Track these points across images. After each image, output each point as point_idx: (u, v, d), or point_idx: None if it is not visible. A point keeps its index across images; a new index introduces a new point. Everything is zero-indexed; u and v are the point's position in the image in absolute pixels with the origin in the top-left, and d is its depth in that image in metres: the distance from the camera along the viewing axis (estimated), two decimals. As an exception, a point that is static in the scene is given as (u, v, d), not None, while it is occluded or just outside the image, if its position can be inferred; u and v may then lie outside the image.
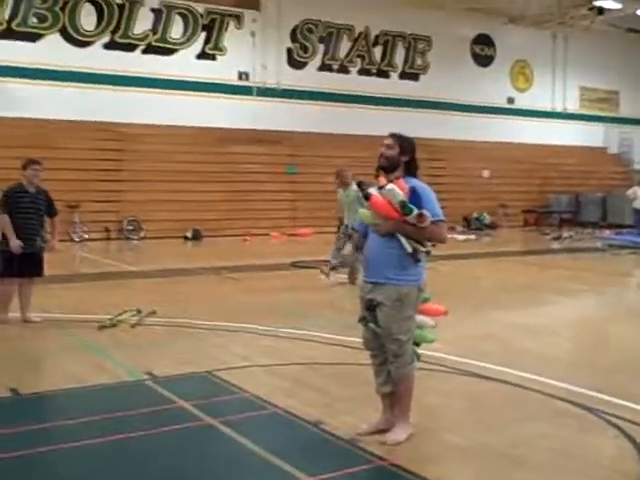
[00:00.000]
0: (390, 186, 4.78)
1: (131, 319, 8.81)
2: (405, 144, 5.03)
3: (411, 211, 4.71)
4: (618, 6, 25.85)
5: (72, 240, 18.90)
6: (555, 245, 21.09)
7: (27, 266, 8.59)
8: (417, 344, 5.25)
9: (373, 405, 5.31)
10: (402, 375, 4.93)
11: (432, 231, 4.80)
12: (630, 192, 23.76)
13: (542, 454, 4.77)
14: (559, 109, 30.54)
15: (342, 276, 12.29)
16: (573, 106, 31.00)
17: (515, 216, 27.25)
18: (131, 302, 9.71)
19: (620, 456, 4.78)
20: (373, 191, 4.86)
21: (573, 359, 7.63)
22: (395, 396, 5.03)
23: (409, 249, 4.82)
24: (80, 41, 20.71)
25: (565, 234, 23.23)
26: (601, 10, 25.89)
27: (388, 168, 4.96)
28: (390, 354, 4.93)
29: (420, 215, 4.71)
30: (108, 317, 8.75)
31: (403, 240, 4.83)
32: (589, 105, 31.60)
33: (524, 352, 7.63)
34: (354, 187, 11.15)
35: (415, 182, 4.91)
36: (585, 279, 13.49)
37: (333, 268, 12.18)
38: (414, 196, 4.77)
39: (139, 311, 9.12)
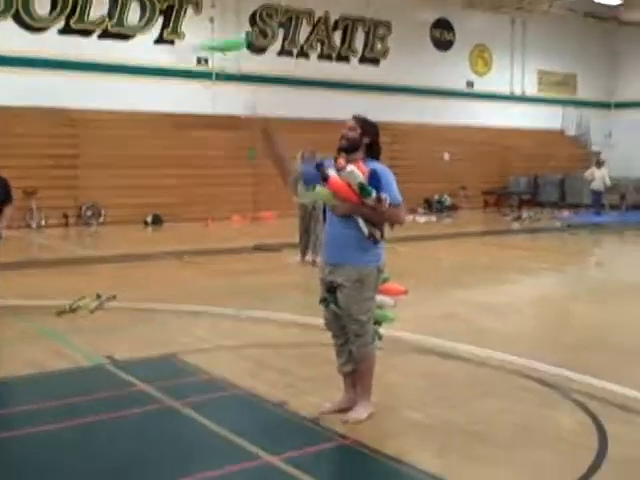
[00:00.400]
0: (350, 168, 4.75)
1: (90, 304, 8.69)
2: (367, 126, 5.01)
3: (369, 194, 4.70)
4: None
5: (29, 227, 18.62)
6: (515, 225, 21.29)
7: None
8: (378, 323, 5.27)
9: (335, 385, 5.32)
10: (363, 354, 4.94)
11: (390, 213, 4.82)
12: (588, 173, 24.07)
13: (503, 429, 4.82)
14: (518, 92, 30.77)
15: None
16: (531, 89, 31.25)
17: (475, 198, 27.43)
18: (91, 288, 9.55)
19: (580, 430, 4.85)
20: (332, 172, 4.83)
21: (534, 336, 7.71)
22: (357, 375, 5.05)
23: (366, 232, 4.82)
24: (34, 27, 20.31)
25: (524, 215, 23.46)
26: (559, -7, 26.07)
27: (348, 149, 4.94)
28: (351, 334, 4.94)
29: (379, 199, 4.71)
30: (67, 303, 8.62)
31: (361, 222, 4.82)
32: (547, 88, 31.87)
33: (485, 330, 7.70)
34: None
35: (376, 165, 4.91)
36: (545, 258, 13.65)
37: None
38: (374, 178, 4.76)
39: (99, 296, 8.99)
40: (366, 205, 4.76)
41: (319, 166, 4.91)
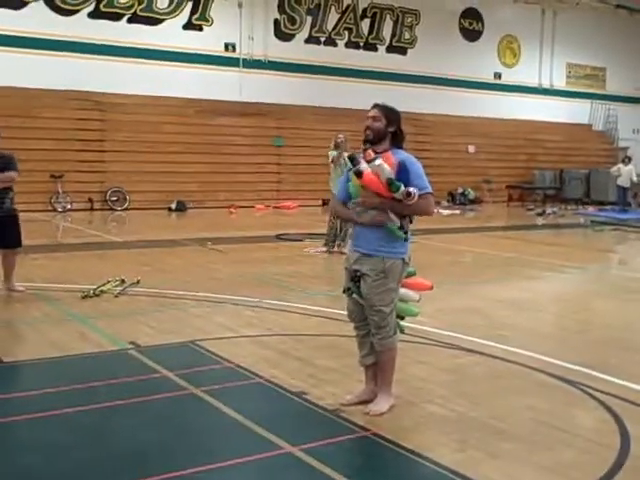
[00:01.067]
0: (378, 161, 4.71)
1: (115, 289, 8.78)
2: (391, 115, 4.96)
3: (398, 189, 4.66)
4: (607, -18, 25.79)
5: (55, 210, 18.78)
6: (539, 221, 21.16)
7: (5, 233, 8.38)
8: (401, 317, 5.26)
9: (356, 376, 5.34)
10: (385, 347, 4.93)
11: (418, 204, 4.75)
12: (614, 169, 23.87)
13: (524, 426, 4.80)
14: (546, 85, 30.53)
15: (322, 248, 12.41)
16: (560, 82, 30.99)
17: (499, 191, 27.30)
18: (115, 272, 9.65)
19: (601, 428, 4.82)
20: (364, 167, 4.79)
21: (557, 333, 7.67)
22: (378, 368, 5.04)
23: (397, 223, 4.80)
24: (65, 9, 20.41)
25: (549, 210, 23.32)
26: (591, -15, 25.79)
27: (374, 141, 4.90)
28: (373, 326, 4.93)
29: (407, 192, 4.67)
30: (92, 287, 8.70)
31: (391, 215, 4.80)
32: (575, 82, 31.60)
33: (508, 326, 7.67)
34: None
35: (403, 155, 4.87)
36: (568, 255, 13.55)
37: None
38: (402, 171, 4.72)
39: (123, 281, 9.09)
40: (395, 198, 4.74)
41: (352, 159, 4.86)
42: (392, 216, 4.80)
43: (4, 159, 8.36)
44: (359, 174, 4.75)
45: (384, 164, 4.71)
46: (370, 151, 4.81)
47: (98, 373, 5.66)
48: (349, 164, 4.99)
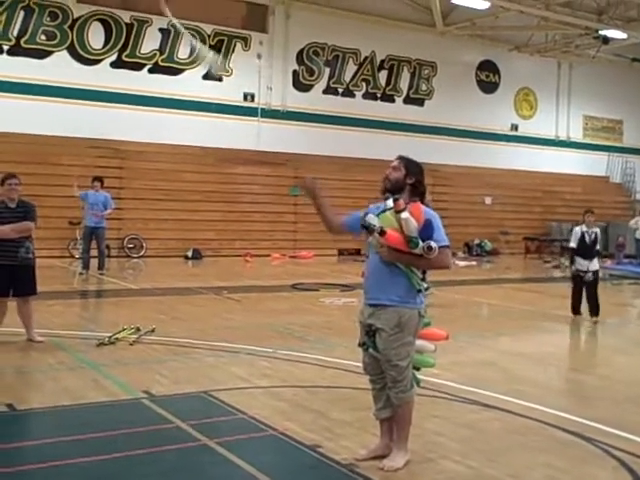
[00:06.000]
0: (405, 215, 4.65)
1: (130, 337, 8.77)
2: (411, 166, 4.98)
3: (416, 245, 4.64)
4: (623, 36, 25.97)
5: (72, 257, 18.87)
6: (556, 273, 21.03)
7: (12, 283, 8.34)
8: (417, 369, 5.21)
9: (372, 430, 5.28)
10: (401, 401, 4.87)
11: (436, 258, 4.71)
12: (632, 222, 23.77)
13: (541, 484, 4.71)
14: (563, 137, 30.62)
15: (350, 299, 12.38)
16: (577, 134, 31.08)
17: (516, 243, 27.24)
18: (130, 320, 9.67)
19: (620, 488, 4.73)
20: (379, 225, 4.73)
21: (574, 389, 7.58)
22: (394, 421, 4.98)
23: (411, 279, 4.78)
24: (88, 59, 20.80)
25: (566, 262, 23.16)
26: (606, 39, 25.97)
27: (391, 190, 4.89)
28: (389, 380, 4.88)
29: (429, 247, 4.63)
30: (107, 334, 8.70)
31: (403, 268, 4.78)
32: (593, 134, 31.68)
33: (525, 380, 7.58)
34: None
35: (428, 211, 4.82)
36: (586, 308, 13.42)
37: None
38: (427, 228, 4.69)
39: (138, 329, 9.09)
40: (413, 253, 4.72)
41: (368, 228, 4.76)
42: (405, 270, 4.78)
43: (25, 208, 8.43)
44: (382, 233, 4.70)
45: (411, 219, 4.65)
46: (401, 201, 4.78)
47: (112, 422, 5.63)
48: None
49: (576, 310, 11.78)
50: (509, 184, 27.50)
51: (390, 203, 4.76)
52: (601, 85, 30.30)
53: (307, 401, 6.41)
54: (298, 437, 5.37)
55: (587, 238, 11.51)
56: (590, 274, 11.54)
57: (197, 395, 6.48)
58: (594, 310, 11.55)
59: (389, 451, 4.95)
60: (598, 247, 11.77)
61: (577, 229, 11.74)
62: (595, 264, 11.64)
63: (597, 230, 11.69)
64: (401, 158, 5.03)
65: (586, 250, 11.54)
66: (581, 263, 11.58)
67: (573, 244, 11.68)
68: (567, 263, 22.50)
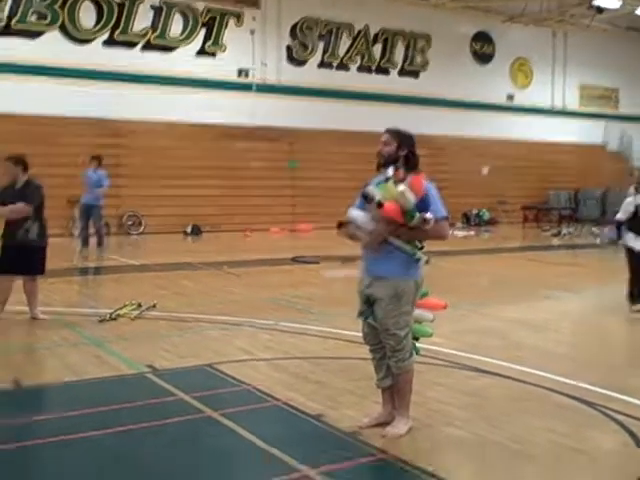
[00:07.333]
0: (402, 187, 4.64)
1: (132, 312, 8.82)
2: (402, 138, 4.97)
3: (413, 219, 4.66)
4: (617, 5, 25.82)
5: (72, 235, 18.87)
6: (554, 241, 21.10)
7: (18, 262, 8.41)
8: (416, 338, 5.26)
9: (374, 398, 5.33)
10: (401, 369, 4.92)
11: (433, 229, 4.73)
12: (631, 190, 23.75)
13: (544, 449, 4.77)
14: (559, 106, 30.53)
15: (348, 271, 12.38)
16: (573, 103, 30.98)
17: (514, 212, 27.28)
18: (132, 296, 9.72)
19: (622, 451, 4.78)
20: (378, 197, 4.70)
21: (574, 354, 7.63)
22: (395, 390, 5.03)
23: (410, 253, 4.80)
24: (80, 38, 20.67)
25: (564, 230, 23.24)
26: (600, 9, 25.83)
27: (386, 165, 4.89)
28: (388, 349, 4.93)
29: (424, 220, 4.65)
30: (109, 311, 8.75)
31: (398, 243, 4.80)
32: (589, 102, 31.58)
33: (526, 347, 7.64)
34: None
35: (427, 184, 4.82)
36: (584, 275, 13.51)
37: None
38: (424, 202, 4.68)
39: (139, 305, 9.15)
40: (407, 226, 4.71)
41: (366, 197, 4.73)
42: (400, 245, 4.80)
43: (26, 189, 8.44)
44: (379, 205, 4.69)
45: (408, 192, 4.65)
46: (400, 171, 4.78)
47: (116, 396, 5.68)
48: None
49: (634, 297, 9.74)
50: (506, 154, 27.48)
51: (390, 172, 4.78)
52: (596, 54, 30.16)
53: (310, 372, 6.46)
54: (302, 407, 5.43)
55: None
56: None
57: (200, 368, 6.54)
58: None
59: (392, 419, 5.01)
60: None
61: (630, 199, 9.96)
62: None
63: None
64: (390, 131, 5.00)
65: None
66: (633, 239, 9.72)
67: (622, 215, 9.85)
68: (570, 231, 22.70)
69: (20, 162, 8.52)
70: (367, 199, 4.74)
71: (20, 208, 8.32)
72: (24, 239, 8.41)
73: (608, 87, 32.02)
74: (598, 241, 20.72)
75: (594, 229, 22.67)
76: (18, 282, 8.69)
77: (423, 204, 4.68)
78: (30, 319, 8.57)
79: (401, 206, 4.66)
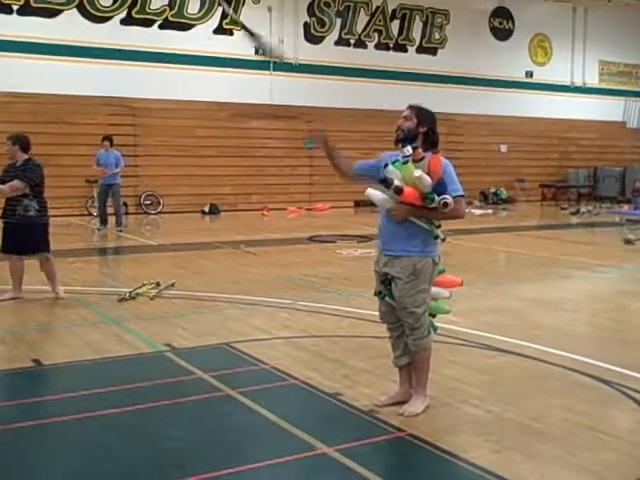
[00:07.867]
0: (418, 173, 4.63)
1: (150, 292, 8.88)
2: (423, 115, 4.95)
3: (432, 202, 4.66)
4: (639, -21, 25.48)
5: (90, 214, 18.98)
6: (573, 220, 20.97)
7: (20, 240, 8.45)
8: (433, 315, 5.26)
9: (391, 377, 5.36)
10: (419, 347, 4.94)
11: (451, 209, 4.72)
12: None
13: (562, 427, 4.77)
14: (578, 83, 30.21)
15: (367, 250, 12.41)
16: (592, 80, 30.65)
17: (533, 190, 27.10)
18: (150, 275, 9.78)
19: (638, 429, 4.78)
20: (397, 182, 4.71)
21: (592, 333, 7.61)
22: (412, 368, 5.05)
23: (428, 230, 4.80)
24: (97, 17, 20.64)
25: (583, 209, 23.09)
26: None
27: (405, 140, 4.85)
28: (406, 327, 4.94)
29: (445, 204, 4.64)
30: (127, 290, 8.81)
31: (418, 222, 4.80)
32: (609, 79, 31.24)
33: (543, 326, 7.63)
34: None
35: (446, 164, 4.81)
36: (603, 254, 13.42)
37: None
38: (442, 183, 4.68)
39: (158, 284, 9.20)
40: (426, 207, 4.73)
41: (386, 181, 4.73)
42: (420, 223, 4.81)
43: (23, 166, 8.47)
44: (399, 191, 4.69)
45: (425, 176, 4.64)
46: (419, 150, 4.76)
47: (135, 375, 5.74)
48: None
49: None
50: (524, 131, 27.28)
51: (408, 151, 4.74)
52: (617, 29, 29.78)
53: (327, 351, 6.49)
54: (319, 386, 5.46)
55: None
56: None
57: (218, 347, 6.58)
58: None
59: (409, 397, 5.03)
60: None
61: None
62: None
63: None
64: (412, 107, 5.00)
65: None
66: None
67: None
68: (589, 209, 22.46)
69: (18, 141, 8.57)
70: (387, 184, 4.73)
71: (15, 184, 8.37)
72: (24, 216, 8.47)
73: (628, 63, 31.63)
74: (617, 219, 20.53)
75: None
76: (36, 262, 8.76)
77: (441, 186, 4.67)
78: (50, 299, 8.64)
79: (419, 188, 4.66)
